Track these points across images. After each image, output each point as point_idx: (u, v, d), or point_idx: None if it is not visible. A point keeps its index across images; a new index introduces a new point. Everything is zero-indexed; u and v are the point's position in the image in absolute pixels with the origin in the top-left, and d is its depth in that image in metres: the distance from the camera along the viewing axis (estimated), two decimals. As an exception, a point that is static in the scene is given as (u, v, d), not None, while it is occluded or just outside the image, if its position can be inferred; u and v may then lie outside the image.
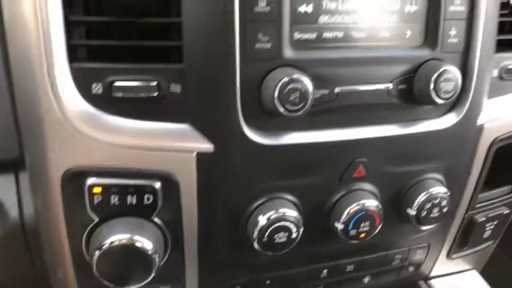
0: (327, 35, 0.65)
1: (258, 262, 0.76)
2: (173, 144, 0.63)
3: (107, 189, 0.64)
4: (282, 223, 0.66)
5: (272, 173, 0.67)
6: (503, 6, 0.75)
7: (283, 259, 0.72)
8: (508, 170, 0.88)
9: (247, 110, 0.63)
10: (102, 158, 0.63)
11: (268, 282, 0.80)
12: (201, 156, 0.64)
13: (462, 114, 0.72)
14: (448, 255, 0.92)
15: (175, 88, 0.61)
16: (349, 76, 0.66)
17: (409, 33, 0.68)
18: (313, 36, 0.64)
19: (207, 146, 0.64)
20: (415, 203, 0.73)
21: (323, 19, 0.64)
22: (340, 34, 0.65)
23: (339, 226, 0.71)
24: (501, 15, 0.74)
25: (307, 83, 0.60)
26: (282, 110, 0.60)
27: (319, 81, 0.64)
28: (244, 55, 0.60)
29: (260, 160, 0.66)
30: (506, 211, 0.90)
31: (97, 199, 0.64)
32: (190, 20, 0.59)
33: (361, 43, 0.66)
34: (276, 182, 0.68)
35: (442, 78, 0.66)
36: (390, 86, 0.68)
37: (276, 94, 0.60)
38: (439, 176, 0.76)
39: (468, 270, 0.98)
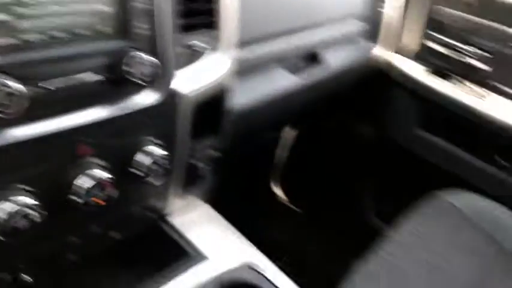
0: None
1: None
2: None
3: None
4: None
5: None
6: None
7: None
8: (209, 124, 1.12)
9: None
10: None
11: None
12: None
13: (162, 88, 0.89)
14: (179, 195, 1.12)
15: None
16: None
17: (99, 24, 0.78)
18: None
19: None
20: (145, 168, 0.89)
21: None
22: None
23: (79, 200, 0.81)
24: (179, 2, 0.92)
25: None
26: None
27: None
28: None
29: None
30: (214, 153, 1.16)
31: None
32: None
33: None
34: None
35: (134, 61, 0.81)
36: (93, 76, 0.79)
37: None
38: (159, 141, 0.92)
39: (202, 205, 1.22)
